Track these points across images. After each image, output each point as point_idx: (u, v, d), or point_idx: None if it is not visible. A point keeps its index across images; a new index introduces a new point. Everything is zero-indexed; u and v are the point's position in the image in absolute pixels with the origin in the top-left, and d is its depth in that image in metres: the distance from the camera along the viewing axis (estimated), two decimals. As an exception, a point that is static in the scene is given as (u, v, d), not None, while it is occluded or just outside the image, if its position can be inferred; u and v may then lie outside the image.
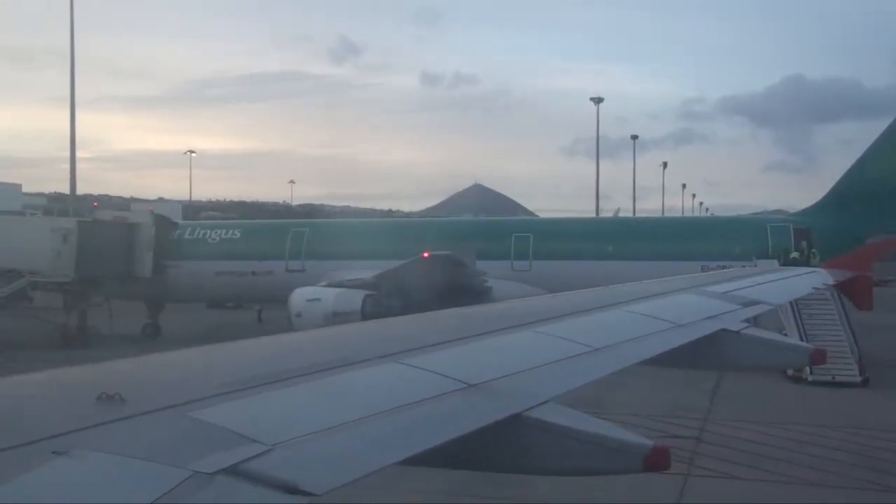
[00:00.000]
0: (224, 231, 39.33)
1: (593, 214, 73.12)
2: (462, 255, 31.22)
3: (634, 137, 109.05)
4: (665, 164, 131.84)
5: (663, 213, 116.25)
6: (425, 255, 30.34)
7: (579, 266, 32.46)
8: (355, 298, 31.11)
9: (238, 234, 38.92)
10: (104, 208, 44.77)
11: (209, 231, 39.40)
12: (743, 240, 33.93)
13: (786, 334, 27.52)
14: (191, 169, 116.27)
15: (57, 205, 59.39)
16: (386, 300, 30.89)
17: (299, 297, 31.39)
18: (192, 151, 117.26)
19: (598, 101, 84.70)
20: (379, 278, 32.21)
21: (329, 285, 32.36)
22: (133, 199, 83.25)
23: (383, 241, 37.00)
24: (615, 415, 19.78)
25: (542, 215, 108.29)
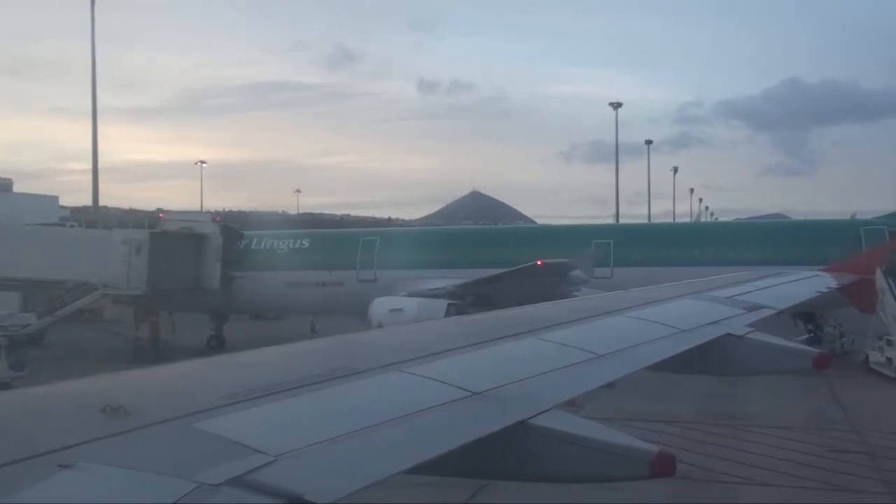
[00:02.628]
0: (292, 241, 38.39)
1: (594, 220, 72.89)
2: (579, 263, 30.31)
3: (649, 142, 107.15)
4: (675, 169, 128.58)
5: (674, 218, 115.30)
6: (538, 262, 29.40)
7: (663, 273, 30.28)
8: (438, 308, 30.29)
9: (307, 244, 38.02)
10: (168, 219, 43.88)
11: (276, 241, 38.47)
12: (835, 243, 31.41)
13: (890, 340, 27.35)
14: (202, 180, 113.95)
15: (83, 216, 58.84)
16: (471, 309, 29.73)
17: (380, 307, 30.67)
18: (202, 162, 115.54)
19: (616, 105, 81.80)
20: (465, 287, 31.49)
21: (410, 295, 31.66)
22: (132, 210, 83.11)
23: (459, 249, 36.42)
24: (759, 428, 19.80)
25: (542, 222, 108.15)
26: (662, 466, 3.90)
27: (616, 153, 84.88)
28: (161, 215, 43.39)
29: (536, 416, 3.98)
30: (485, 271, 32.02)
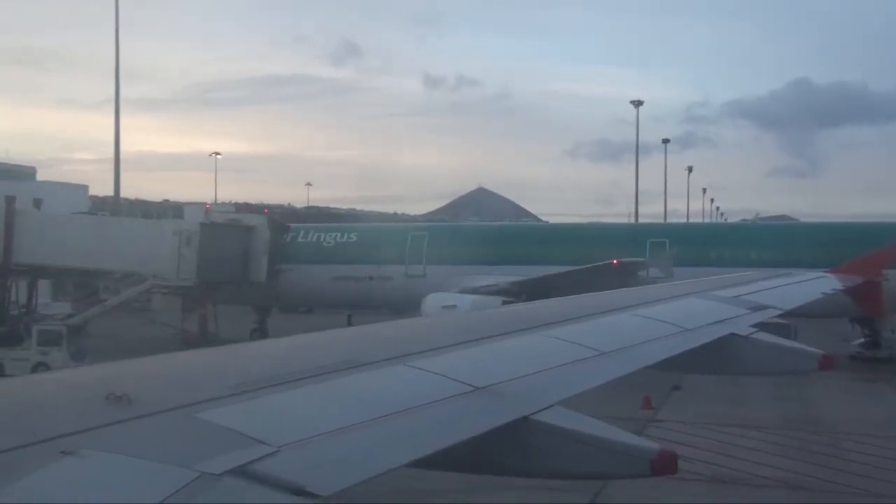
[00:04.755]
0: (340, 234, 38.02)
1: (600, 218, 72.39)
2: (657, 262, 29.62)
3: (666, 141, 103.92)
4: (690, 169, 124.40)
5: (688, 218, 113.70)
6: (614, 262, 28.87)
7: (721, 274, 28.31)
8: (493, 305, 29.29)
9: (355, 238, 37.65)
10: (215, 212, 42.54)
11: (324, 234, 38.12)
12: None
13: None
14: (216, 171, 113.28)
15: (99, 206, 58.71)
16: None
17: (434, 303, 30.30)
18: (216, 153, 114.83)
19: (637, 104, 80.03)
20: (521, 284, 30.88)
21: (462, 291, 31.24)
22: (138, 201, 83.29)
23: (510, 246, 36.08)
24: (854, 435, 19.14)
25: (548, 220, 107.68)
26: (663, 465, 3.89)
27: (636, 152, 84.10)
28: (208, 206, 42.85)
29: (539, 412, 3.98)
30: (538, 269, 31.57)
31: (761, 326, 7.64)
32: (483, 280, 32.20)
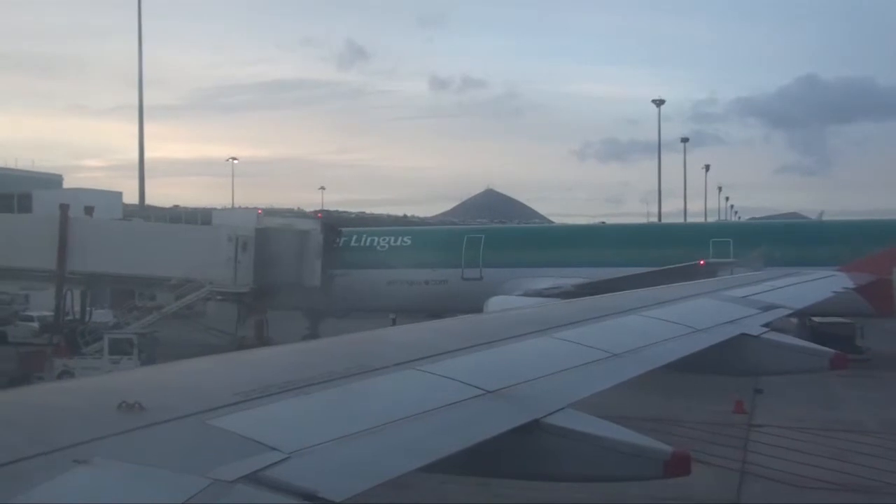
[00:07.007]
0: (393, 238, 37.88)
1: (611, 218, 71.63)
2: (747, 263, 28.04)
3: (685, 140, 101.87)
4: (707, 167, 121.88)
5: (706, 217, 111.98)
6: (701, 262, 28.18)
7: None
8: None
9: (409, 242, 37.44)
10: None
11: (377, 238, 37.87)
12: None
13: None
14: (233, 177, 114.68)
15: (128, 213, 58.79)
16: None
17: (497, 306, 29.68)
18: (234, 158, 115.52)
19: (659, 102, 78.86)
20: (585, 286, 29.68)
21: (525, 294, 30.84)
22: (149, 207, 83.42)
23: (570, 248, 35.83)
24: None
25: (557, 221, 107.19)
26: (677, 466, 3.88)
27: (658, 150, 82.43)
28: (259, 211, 42.53)
29: (550, 414, 3.97)
30: (597, 270, 31.31)
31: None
32: (543, 282, 31.80)
